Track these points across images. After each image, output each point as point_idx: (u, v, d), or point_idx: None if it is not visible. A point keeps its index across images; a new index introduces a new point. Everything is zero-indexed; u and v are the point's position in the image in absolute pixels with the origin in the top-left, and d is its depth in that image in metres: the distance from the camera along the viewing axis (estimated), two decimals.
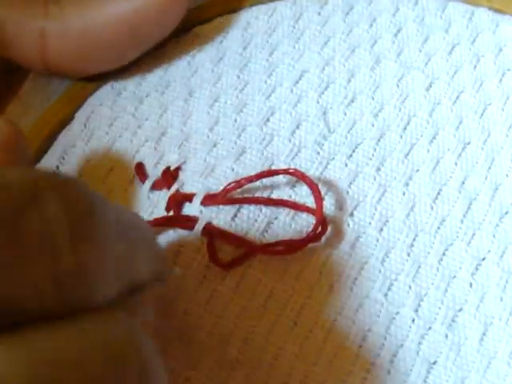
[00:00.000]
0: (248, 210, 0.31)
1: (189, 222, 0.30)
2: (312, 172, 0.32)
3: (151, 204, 0.31)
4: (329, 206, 0.31)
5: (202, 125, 0.33)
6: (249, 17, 0.35)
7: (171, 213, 0.31)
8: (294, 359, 0.29)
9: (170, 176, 0.32)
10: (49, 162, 0.32)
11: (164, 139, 0.33)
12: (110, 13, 0.32)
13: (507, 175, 0.32)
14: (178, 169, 0.32)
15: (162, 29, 0.33)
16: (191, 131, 0.33)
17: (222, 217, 0.30)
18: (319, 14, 0.35)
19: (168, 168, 0.32)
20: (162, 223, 0.30)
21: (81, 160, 0.32)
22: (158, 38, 0.33)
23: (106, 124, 0.33)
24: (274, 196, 0.31)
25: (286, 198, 0.31)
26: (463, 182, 0.32)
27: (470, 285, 0.30)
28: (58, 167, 0.32)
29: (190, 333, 0.29)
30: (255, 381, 0.28)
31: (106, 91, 0.34)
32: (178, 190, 0.31)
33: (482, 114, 0.33)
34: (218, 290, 0.29)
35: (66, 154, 0.32)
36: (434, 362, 0.29)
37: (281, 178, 0.31)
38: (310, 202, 0.30)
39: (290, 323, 0.29)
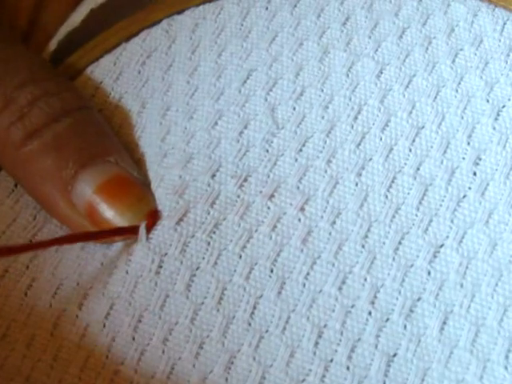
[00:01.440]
0: (194, 214, 0.31)
1: (131, 231, 0.30)
2: (261, 170, 0.31)
3: None
4: (278, 202, 0.31)
5: (154, 136, 0.33)
6: (196, 17, 0.35)
7: None
8: (251, 361, 0.28)
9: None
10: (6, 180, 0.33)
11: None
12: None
13: (463, 158, 0.31)
14: None
15: None
16: (145, 144, 0.33)
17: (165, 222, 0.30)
18: (267, 8, 0.35)
19: None
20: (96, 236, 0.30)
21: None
22: None
23: None
24: (222, 197, 0.31)
25: (234, 198, 0.31)
26: (418, 168, 0.31)
27: (428, 273, 0.29)
28: (16, 185, 0.32)
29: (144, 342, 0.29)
30: None
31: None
32: None
33: (435, 97, 0.32)
34: (169, 296, 0.29)
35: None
36: (394, 355, 0.28)
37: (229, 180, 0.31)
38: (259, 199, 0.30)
39: (244, 324, 0.29)
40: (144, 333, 0.29)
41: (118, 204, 0.30)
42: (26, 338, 0.29)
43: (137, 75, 0.34)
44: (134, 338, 0.29)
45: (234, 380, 0.28)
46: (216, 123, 0.32)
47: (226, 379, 0.28)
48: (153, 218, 0.30)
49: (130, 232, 0.30)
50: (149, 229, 0.30)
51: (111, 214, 0.30)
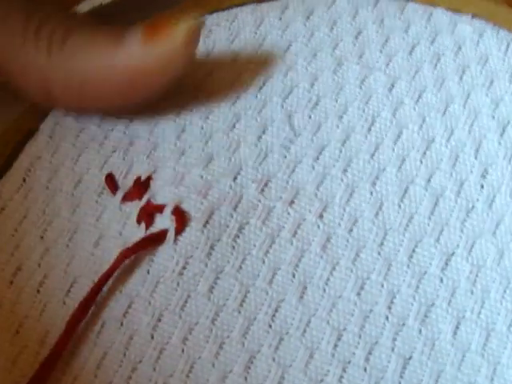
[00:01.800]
0: (219, 216, 0.31)
1: (160, 238, 0.30)
2: (280, 176, 0.32)
3: (123, 216, 0.31)
4: (298, 208, 0.32)
5: (169, 133, 0.33)
6: (209, 24, 0.36)
7: (142, 225, 0.31)
8: (270, 361, 0.29)
9: (141, 186, 0.32)
10: (15, 174, 0.32)
11: (132, 149, 0.33)
12: (111, 65, 0.31)
13: (471, 171, 0.33)
14: (148, 178, 0.32)
15: (166, 81, 0.32)
16: (158, 140, 0.33)
17: (193, 224, 0.31)
18: (280, 19, 0.36)
19: (139, 178, 0.32)
20: (135, 250, 0.30)
21: (48, 172, 0.32)
22: (159, 92, 0.32)
23: (71, 135, 0.33)
24: (245, 201, 0.32)
25: (255, 202, 0.32)
26: (429, 180, 0.32)
27: (441, 280, 0.31)
28: (24, 180, 0.33)
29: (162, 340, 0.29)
30: None
31: None
32: (149, 201, 0.32)
33: (444, 112, 0.34)
34: (191, 297, 0.30)
35: (33, 167, 0.33)
36: (410, 358, 0.29)
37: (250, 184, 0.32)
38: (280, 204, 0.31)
39: (265, 326, 0.30)
40: (163, 332, 0.29)
41: None
42: (39, 335, 0.30)
43: None
44: (152, 337, 0.29)
45: (254, 380, 0.29)
46: (234, 126, 0.33)
47: (246, 378, 0.29)
48: (182, 221, 0.31)
49: (160, 238, 0.30)
50: (178, 232, 0.30)
51: None
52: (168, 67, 0.32)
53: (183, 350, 0.29)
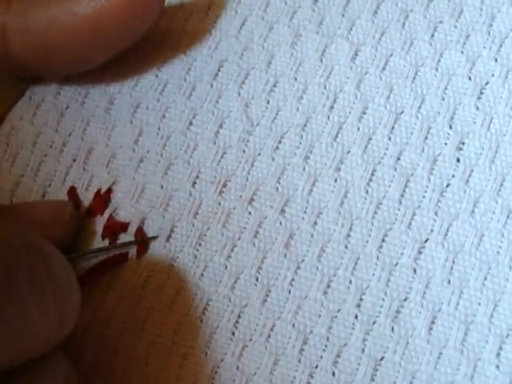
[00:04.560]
0: (180, 228, 0.28)
1: (122, 257, 0.28)
2: (239, 173, 0.28)
3: (88, 232, 0.29)
4: (259, 206, 0.28)
5: (126, 137, 0.30)
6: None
7: (106, 241, 0.28)
8: (234, 370, 0.26)
9: (101, 201, 0.29)
10: None
11: (91, 157, 0.30)
12: (73, 11, 0.28)
13: (446, 143, 0.28)
14: (109, 191, 0.29)
15: (132, 31, 0.29)
16: (116, 145, 0.30)
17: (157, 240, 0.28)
18: None
19: (99, 191, 0.29)
20: (97, 273, 0.28)
21: (10, 185, 0.30)
22: (127, 41, 0.29)
23: (29, 141, 0.30)
24: (204, 206, 0.28)
25: (215, 206, 0.28)
26: (398, 158, 0.28)
27: (414, 271, 0.26)
28: None
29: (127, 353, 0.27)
30: None
31: (25, 104, 0.31)
32: (111, 217, 0.28)
33: (413, 78, 0.29)
34: (153, 309, 0.27)
35: None
36: (381, 359, 0.26)
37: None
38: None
39: (228, 334, 0.27)
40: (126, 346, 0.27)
41: None
42: None
43: (102, 70, 0.30)
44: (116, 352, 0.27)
45: None
46: (191, 123, 0.29)
47: None
48: (144, 244, 0.28)
49: (121, 260, 0.28)
50: (140, 254, 0.27)
51: None
52: (137, 15, 0.28)
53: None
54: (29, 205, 0.28)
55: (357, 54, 0.29)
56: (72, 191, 0.29)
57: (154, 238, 0.28)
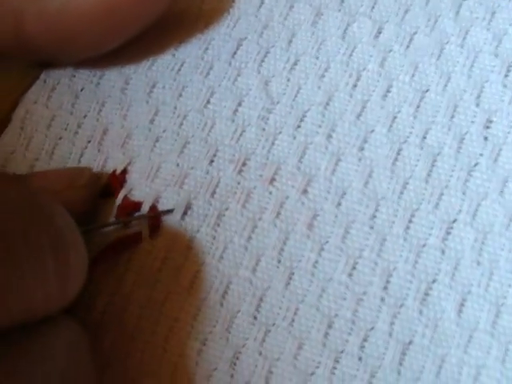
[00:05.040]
0: (197, 206, 0.27)
1: (136, 237, 0.26)
2: (259, 151, 0.27)
3: (101, 212, 0.27)
4: (280, 185, 0.27)
5: (142, 117, 0.28)
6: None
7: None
8: (257, 356, 0.25)
9: (116, 182, 0.27)
10: None
11: (106, 138, 0.28)
12: None
13: (473, 122, 0.27)
14: (124, 172, 0.28)
15: (148, 12, 0.28)
16: (132, 126, 0.28)
17: (171, 218, 0.27)
18: None
19: (114, 172, 0.28)
20: (110, 253, 0.26)
21: (24, 168, 0.28)
22: (141, 25, 0.28)
23: (43, 125, 0.29)
24: (222, 185, 0.27)
25: (234, 185, 0.27)
26: (424, 137, 0.27)
27: (442, 252, 0.25)
28: None
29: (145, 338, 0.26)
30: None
31: (39, 87, 0.29)
32: (126, 197, 0.27)
33: (439, 56, 0.28)
34: (172, 292, 0.26)
35: (7, 162, 0.29)
36: (410, 342, 0.24)
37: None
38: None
39: (250, 318, 0.26)
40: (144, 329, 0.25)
41: None
42: None
43: (118, 51, 0.29)
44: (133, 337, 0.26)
45: (240, 376, 0.25)
46: (208, 101, 0.28)
47: (232, 375, 0.25)
48: (156, 221, 0.26)
49: (135, 240, 0.26)
50: (153, 232, 0.26)
51: None
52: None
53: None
54: (41, 173, 0.27)
55: (380, 32, 0.28)
56: None
57: (170, 211, 0.27)
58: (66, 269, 0.21)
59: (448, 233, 0.25)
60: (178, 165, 0.27)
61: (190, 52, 0.29)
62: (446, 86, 0.27)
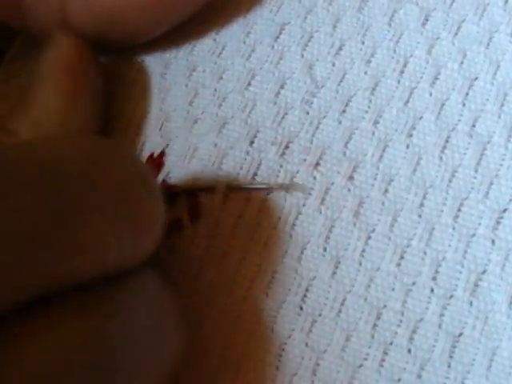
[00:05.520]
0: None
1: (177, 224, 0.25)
2: (302, 135, 0.26)
3: None
4: (325, 171, 0.26)
5: (181, 100, 0.27)
6: None
7: None
8: (303, 347, 0.24)
9: (154, 165, 0.26)
10: None
11: (145, 121, 0.27)
12: None
13: None
14: (162, 155, 0.27)
15: (188, 6, 0.27)
16: (170, 109, 0.27)
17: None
18: None
19: (151, 155, 0.27)
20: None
21: None
22: (191, 9, 0.27)
23: None
24: (264, 167, 0.26)
25: (276, 168, 0.26)
26: (473, 125, 0.26)
27: (493, 242, 0.24)
28: None
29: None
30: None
31: None
32: (164, 181, 0.26)
33: (488, 44, 0.27)
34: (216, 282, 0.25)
35: None
36: (460, 335, 0.23)
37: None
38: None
39: (296, 309, 0.25)
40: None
41: None
42: None
43: (159, 36, 0.29)
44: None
45: (286, 368, 0.24)
46: (249, 84, 0.27)
47: (277, 368, 0.24)
48: (197, 208, 0.25)
49: (176, 228, 0.25)
50: (194, 218, 0.25)
51: None
52: None
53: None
54: None
55: (427, 20, 0.27)
56: None
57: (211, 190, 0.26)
58: (138, 225, 0.21)
59: (498, 222, 0.25)
60: (215, 145, 0.26)
61: (231, 36, 0.28)
62: (495, 74, 0.26)
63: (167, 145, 0.27)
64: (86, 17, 0.27)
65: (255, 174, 0.26)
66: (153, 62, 0.28)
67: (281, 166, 0.26)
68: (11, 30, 0.30)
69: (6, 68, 0.28)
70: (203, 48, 0.28)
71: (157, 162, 0.27)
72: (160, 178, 0.26)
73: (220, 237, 0.25)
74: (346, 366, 0.24)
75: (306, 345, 0.24)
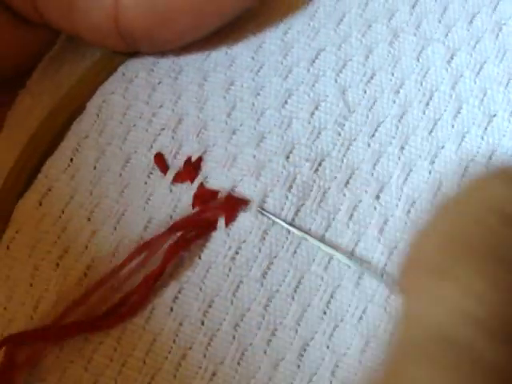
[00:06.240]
0: (273, 199, 0.28)
1: (211, 225, 0.27)
2: (334, 154, 0.28)
3: (174, 198, 0.28)
4: (354, 189, 0.28)
5: (218, 110, 0.29)
6: None
7: (196, 209, 0.27)
8: (324, 349, 0.26)
9: (192, 168, 0.28)
10: (62, 154, 0.29)
11: (181, 127, 0.29)
12: None
13: None
14: (199, 159, 0.28)
15: (239, 1, 0.29)
16: (208, 118, 0.29)
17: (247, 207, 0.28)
18: None
19: (189, 159, 0.28)
20: (187, 239, 0.27)
21: (95, 152, 0.29)
22: (234, 11, 0.29)
23: (119, 113, 0.30)
24: (299, 181, 0.28)
25: (310, 183, 0.28)
26: (490, 157, 0.28)
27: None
28: (71, 160, 0.29)
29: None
30: None
31: (117, 79, 0.30)
32: (202, 185, 0.28)
33: (506, 85, 0.30)
34: (243, 282, 0.27)
35: (80, 146, 0.29)
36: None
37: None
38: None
39: (319, 313, 0.26)
40: (214, 318, 0.26)
41: None
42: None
43: (199, 49, 0.31)
44: (203, 323, 0.27)
45: (307, 367, 0.26)
46: (286, 102, 0.29)
47: (298, 366, 0.26)
48: (233, 210, 0.27)
49: (210, 228, 0.27)
50: (228, 220, 0.27)
51: None
52: None
53: (234, 337, 0.26)
54: None
55: (452, 58, 0.30)
56: (159, 157, 0.28)
57: (246, 201, 0.27)
58: None
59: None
60: (254, 156, 0.28)
61: (269, 56, 0.30)
62: None
63: (205, 151, 0.29)
64: (138, 15, 0.28)
65: (291, 187, 0.28)
66: (191, 73, 0.30)
67: (314, 181, 0.28)
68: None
69: None
70: (241, 64, 0.30)
71: (194, 165, 0.28)
72: (197, 183, 0.28)
73: (251, 241, 0.27)
74: (363, 369, 0.25)
75: (328, 347, 0.26)
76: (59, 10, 0.29)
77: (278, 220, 0.27)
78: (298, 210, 0.27)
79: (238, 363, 0.26)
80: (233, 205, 0.27)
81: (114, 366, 0.26)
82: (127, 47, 0.30)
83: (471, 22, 0.31)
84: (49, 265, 0.27)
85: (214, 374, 0.26)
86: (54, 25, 0.30)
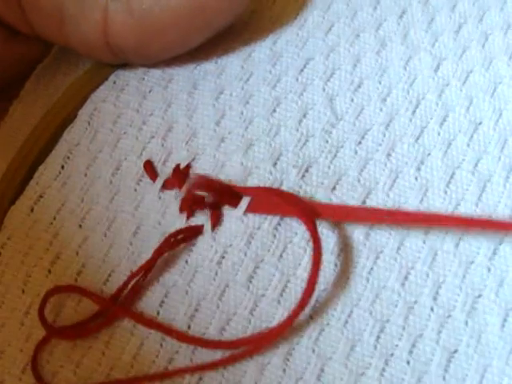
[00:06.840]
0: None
1: (197, 229, 0.28)
2: (321, 161, 0.29)
3: (163, 204, 0.28)
4: (340, 195, 0.28)
5: (208, 119, 0.30)
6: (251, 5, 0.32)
7: (181, 215, 0.28)
8: (310, 353, 0.26)
9: (180, 175, 0.29)
10: (54, 161, 0.30)
11: (171, 135, 0.30)
12: None
13: None
14: (188, 166, 0.29)
15: (226, 14, 0.29)
16: (197, 126, 0.30)
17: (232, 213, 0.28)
18: None
19: (178, 166, 0.29)
20: (173, 242, 0.27)
21: (86, 159, 0.30)
22: (221, 24, 0.30)
23: (109, 121, 0.30)
24: (285, 187, 0.28)
25: (296, 189, 0.28)
26: (476, 164, 0.29)
27: (488, 270, 0.27)
28: (63, 167, 0.30)
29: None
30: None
31: (109, 87, 0.31)
32: (189, 191, 0.28)
33: (492, 94, 0.30)
34: (229, 286, 0.27)
35: (71, 154, 0.30)
36: (455, 351, 0.26)
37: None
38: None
39: (305, 317, 0.26)
40: (200, 322, 0.27)
41: None
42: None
43: (189, 58, 0.31)
44: (189, 327, 0.27)
45: (292, 372, 0.26)
46: (274, 110, 0.30)
47: (284, 370, 0.26)
48: (218, 215, 0.28)
49: (196, 232, 0.28)
50: (214, 226, 0.27)
51: None
52: None
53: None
54: None
55: (439, 67, 0.31)
56: (148, 164, 0.29)
57: (233, 205, 0.28)
58: None
59: (495, 253, 0.27)
60: (242, 164, 0.29)
61: (258, 65, 0.31)
62: (497, 121, 0.29)
63: (193, 158, 0.29)
64: (127, 29, 0.29)
65: None
66: (181, 81, 0.31)
67: (300, 187, 0.28)
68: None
69: None
70: (231, 73, 0.31)
71: (183, 172, 0.29)
72: (185, 188, 0.28)
73: (237, 245, 0.27)
74: (349, 373, 0.26)
75: (313, 351, 0.26)
76: (49, 24, 0.30)
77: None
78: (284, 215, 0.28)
79: (225, 367, 0.26)
80: (217, 211, 0.27)
81: (103, 369, 0.26)
82: (117, 59, 0.30)
83: (458, 31, 0.31)
84: (40, 271, 0.28)
85: (200, 379, 0.26)
86: (44, 37, 0.31)
